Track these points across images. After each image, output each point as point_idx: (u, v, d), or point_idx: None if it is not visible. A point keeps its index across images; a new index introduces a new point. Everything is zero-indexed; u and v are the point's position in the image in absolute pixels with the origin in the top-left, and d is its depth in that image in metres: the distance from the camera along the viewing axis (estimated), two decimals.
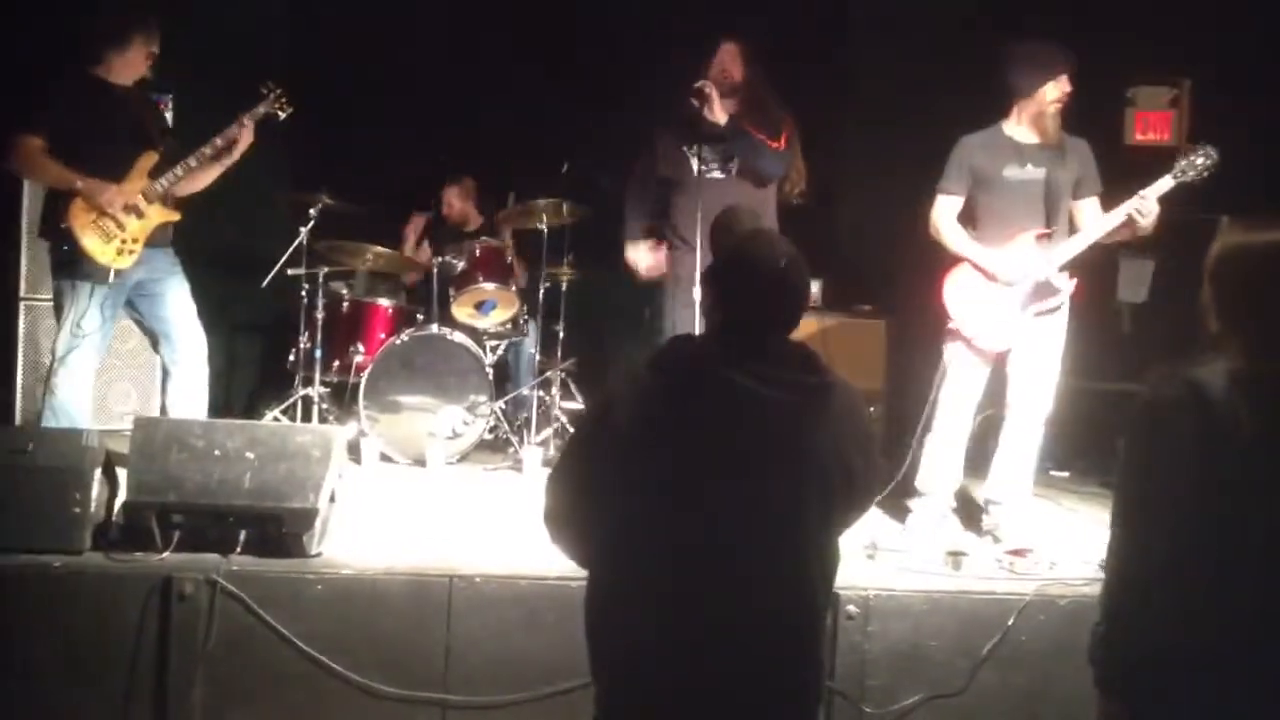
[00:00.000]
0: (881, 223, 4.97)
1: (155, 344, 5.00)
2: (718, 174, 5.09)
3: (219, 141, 4.81)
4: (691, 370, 2.27)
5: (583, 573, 2.41)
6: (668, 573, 2.25)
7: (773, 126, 5.09)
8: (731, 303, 2.39)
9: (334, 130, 6.81)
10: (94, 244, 4.60)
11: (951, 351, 4.68)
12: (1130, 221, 4.43)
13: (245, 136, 4.82)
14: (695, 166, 5.01)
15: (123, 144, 4.75)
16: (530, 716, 3.66)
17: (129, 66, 4.81)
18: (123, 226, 4.65)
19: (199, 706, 3.58)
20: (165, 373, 4.98)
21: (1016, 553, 4.24)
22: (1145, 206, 4.40)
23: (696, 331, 2.43)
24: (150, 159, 4.77)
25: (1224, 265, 2.25)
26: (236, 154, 4.85)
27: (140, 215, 4.70)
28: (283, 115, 4.94)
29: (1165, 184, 4.41)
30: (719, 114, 4.98)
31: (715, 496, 2.25)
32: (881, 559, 4.10)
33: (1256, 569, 2.13)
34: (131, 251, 4.69)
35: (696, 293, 4.73)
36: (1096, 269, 5.63)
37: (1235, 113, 6.17)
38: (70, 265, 4.65)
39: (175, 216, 4.89)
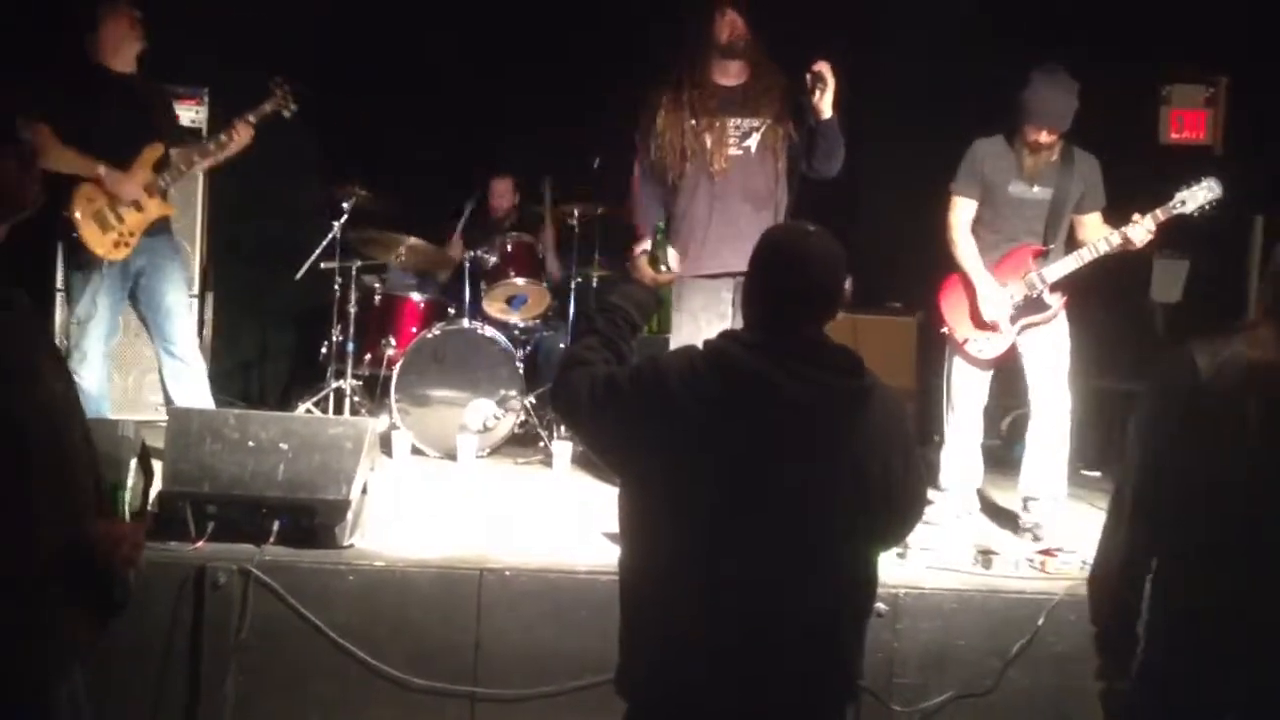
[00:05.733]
0: (912, 219, 4.93)
1: (150, 333, 4.91)
2: (734, 150, 4.57)
3: (222, 138, 4.81)
4: (739, 368, 2.26)
5: (613, 567, 2.42)
6: (702, 568, 2.25)
7: (790, 100, 4.57)
8: (764, 294, 2.38)
9: (368, 124, 6.84)
10: (91, 234, 4.58)
11: (951, 355, 4.81)
12: (1126, 240, 4.51)
13: (245, 134, 4.79)
14: (709, 144, 4.55)
15: (125, 133, 4.68)
16: (559, 710, 3.67)
17: (114, 47, 4.68)
18: (122, 219, 4.63)
19: (231, 695, 3.61)
20: (162, 363, 4.89)
21: (1047, 552, 4.23)
22: (1143, 229, 4.48)
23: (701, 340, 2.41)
24: (155, 151, 4.74)
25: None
26: (234, 150, 4.82)
27: (140, 209, 4.68)
28: (287, 114, 4.89)
29: (1164, 212, 4.49)
30: (825, 107, 4.33)
31: (752, 497, 2.24)
32: (911, 557, 4.09)
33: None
34: (127, 244, 4.66)
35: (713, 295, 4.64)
36: (1130, 269, 5.59)
37: (1274, 112, 6.11)
38: (71, 254, 4.65)
39: (171, 210, 4.88)
